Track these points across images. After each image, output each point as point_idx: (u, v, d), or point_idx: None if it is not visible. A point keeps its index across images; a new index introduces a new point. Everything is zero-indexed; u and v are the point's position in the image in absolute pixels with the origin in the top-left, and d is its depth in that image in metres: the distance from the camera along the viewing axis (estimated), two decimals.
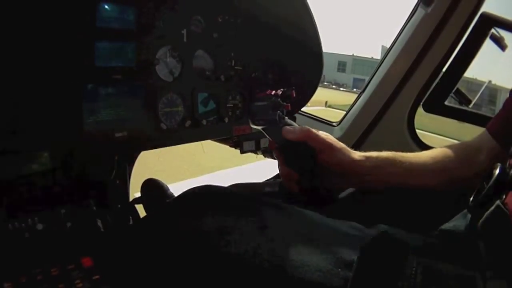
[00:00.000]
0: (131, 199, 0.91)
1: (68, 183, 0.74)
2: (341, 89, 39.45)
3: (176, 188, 0.90)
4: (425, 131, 2.91)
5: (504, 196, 0.55)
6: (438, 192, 0.78)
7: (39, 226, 0.67)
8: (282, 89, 0.82)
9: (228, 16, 0.99)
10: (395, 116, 1.49)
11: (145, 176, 0.98)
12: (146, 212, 0.88)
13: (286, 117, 0.80)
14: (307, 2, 1.02)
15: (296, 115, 1.26)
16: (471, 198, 0.61)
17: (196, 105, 0.94)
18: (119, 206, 0.86)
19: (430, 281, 0.48)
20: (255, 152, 1.19)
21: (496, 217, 0.54)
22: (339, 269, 0.49)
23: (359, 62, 49.82)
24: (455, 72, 1.39)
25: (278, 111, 0.78)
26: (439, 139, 4.82)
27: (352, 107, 1.59)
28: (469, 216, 0.62)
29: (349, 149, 0.76)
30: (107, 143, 0.77)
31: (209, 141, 1.06)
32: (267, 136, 0.80)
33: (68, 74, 0.69)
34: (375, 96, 1.49)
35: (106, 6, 0.74)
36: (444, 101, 1.44)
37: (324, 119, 1.67)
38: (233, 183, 0.93)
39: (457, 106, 1.46)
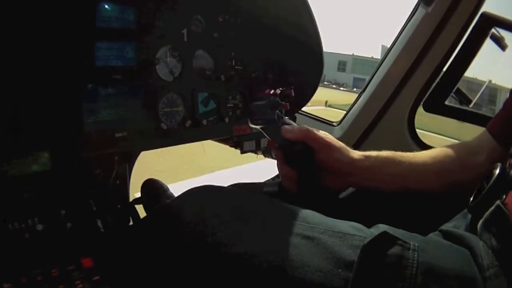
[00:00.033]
0: (131, 199, 0.91)
1: (68, 183, 0.74)
2: (341, 88, 39.45)
3: (176, 188, 0.90)
4: (426, 130, 2.91)
5: (504, 196, 0.55)
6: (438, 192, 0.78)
7: (39, 227, 0.67)
8: (280, 89, 0.82)
9: (229, 16, 0.99)
10: (395, 115, 1.49)
11: (145, 176, 0.98)
12: (146, 212, 0.88)
13: (286, 117, 0.80)
14: (307, 2, 1.02)
15: (297, 114, 1.26)
16: (471, 198, 0.61)
17: (197, 105, 0.94)
18: (119, 206, 0.86)
19: (431, 281, 0.48)
20: (255, 152, 1.19)
21: (496, 217, 0.54)
22: (340, 270, 0.49)
23: (359, 61, 49.79)
24: (455, 72, 1.39)
25: (277, 111, 0.78)
26: (439, 138, 4.82)
27: (352, 107, 1.59)
28: (469, 216, 0.62)
29: (348, 148, 0.76)
30: (107, 143, 0.77)
31: (209, 141, 1.06)
32: (266, 136, 0.80)
33: (68, 74, 0.69)
34: (375, 96, 1.49)
35: (106, 6, 0.74)
36: (445, 100, 1.43)
37: (324, 119, 1.67)
38: (233, 183, 0.93)
39: (458, 105, 1.46)
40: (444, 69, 1.40)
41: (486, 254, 0.52)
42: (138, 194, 0.94)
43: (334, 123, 1.64)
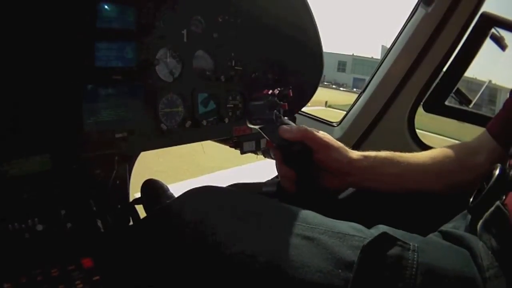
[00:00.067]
0: (131, 199, 0.91)
1: (68, 184, 0.74)
2: (341, 89, 39.46)
3: (176, 188, 0.90)
4: (425, 131, 2.91)
5: (504, 197, 0.55)
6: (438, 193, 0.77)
7: (39, 227, 0.67)
8: (279, 89, 0.82)
9: (228, 16, 0.99)
10: (395, 116, 1.49)
11: (145, 176, 0.98)
12: (146, 212, 0.88)
13: (285, 117, 0.80)
14: (307, 2, 1.02)
15: (296, 115, 1.26)
16: (471, 199, 0.61)
17: (196, 105, 0.94)
18: (119, 206, 0.86)
19: (430, 281, 0.48)
20: (255, 152, 1.19)
21: (496, 218, 0.54)
22: (340, 270, 0.49)
23: (359, 62, 49.80)
24: (455, 72, 1.39)
25: (275, 111, 0.78)
26: (439, 139, 4.81)
27: (352, 107, 1.59)
28: (469, 216, 0.62)
29: (347, 148, 0.76)
30: (107, 144, 0.77)
31: (209, 141, 1.06)
32: (264, 136, 0.80)
33: (68, 74, 0.69)
34: (375, 96, 1.49)
35: (106, 6, 0.74)
36: (445, 101, 1.44)
37: (324, 119, 1.67)
38: (233, 183, 0.93)
39: (458, 106, 1.46)
40: (444, 69, 1.40)
41: (486, 254, 0.52)
42: (138, 194, 0.94)
43: (334, 124, 1.64)
